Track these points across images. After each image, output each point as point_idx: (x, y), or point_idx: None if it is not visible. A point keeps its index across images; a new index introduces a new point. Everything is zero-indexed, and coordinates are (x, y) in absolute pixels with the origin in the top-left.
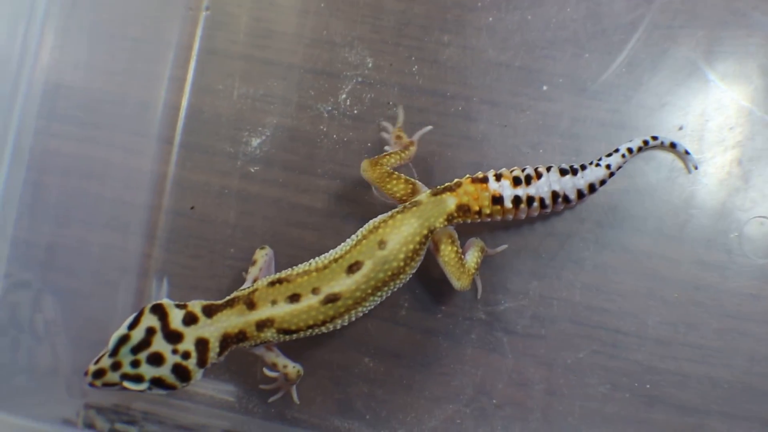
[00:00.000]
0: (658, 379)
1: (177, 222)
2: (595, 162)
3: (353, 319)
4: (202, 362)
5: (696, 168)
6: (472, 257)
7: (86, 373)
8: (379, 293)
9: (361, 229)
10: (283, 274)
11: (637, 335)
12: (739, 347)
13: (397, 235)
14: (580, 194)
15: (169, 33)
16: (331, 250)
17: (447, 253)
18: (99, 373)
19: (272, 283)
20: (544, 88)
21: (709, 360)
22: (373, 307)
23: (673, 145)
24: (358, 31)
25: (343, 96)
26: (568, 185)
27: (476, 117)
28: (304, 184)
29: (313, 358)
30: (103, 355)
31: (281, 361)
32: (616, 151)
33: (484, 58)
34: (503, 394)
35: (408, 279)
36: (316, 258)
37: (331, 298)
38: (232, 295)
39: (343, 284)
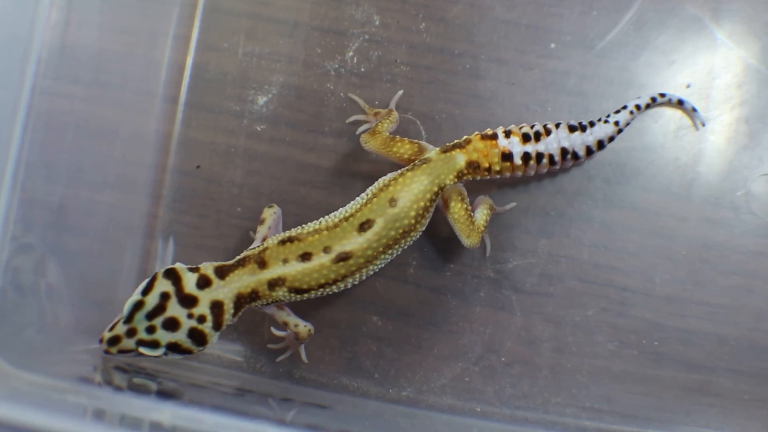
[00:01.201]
0: (666, 336)
1: (183, 181)
2: (603, 119)
3: (364, 277)
4: (218, 325)
5: (703, 125)
6: (481, 215)
7: (101, 341)
8: (390, 251)
9: (370, 187)
10: (294, 232)
11: (644, 293)
12: (745, 304)
13: (408, 192)
14: (589, 151)
15: None
16: (341, 209)
17: (457, 210)
18: (114, 340)
19: (283, 242)
20: (552, 45)
21: (716, 317)
22: (383, 265)
23: (680, 103)
24: None
25: (350, 54)
26: (577, 142)
27: (484, 75)
28: (311, 143)
29: (321, 317)
30: (117, 322)
31: (292, 320)
32: (624, 107)
33: (491, 16)
34: (512, 352)
35: (418, 236)
36: (327, 216)
37: (343, 257)
38: (243, 255)
39: (354, 243)
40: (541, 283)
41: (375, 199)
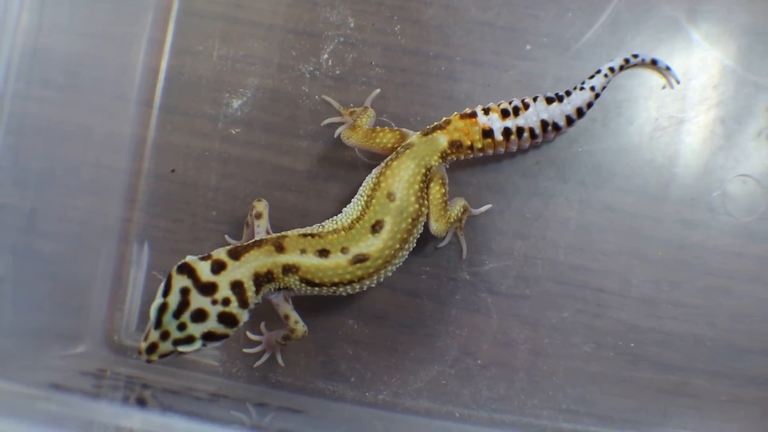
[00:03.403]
0: (642, 337)
1: (158, 185)
2: (579, 86)
3: (381, 280)
4: (244, 303)
5: (678, 83)
6: (454, 210)
7: (140, 352)
8: (406, 245)
9: (361, 187)
10: (314, 229)
11: (620, 294)
12: (721, 305)
13: (400, 181)
14: (569, 120)
15: None
16: (345, 209)
17: (434, 192)
18: (152, 348)
19: (304, 235)
20: (528, 47)
21: (692, 318)
22: (401, 263)
23: (654, 62)
24: None
25: (325, 56)
26: (556, 112)
27: (459, 77)
28: (286, 146)
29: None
30: (149, 330)
31: (293, 315)
32: (598, 71)
33: (466, 18)
34: (488, 355)
35: (425, 220)
36: (341, 216)
37: (360, 258)
38: (258, 238)
39: (371, 245)
40: (517, 285)
41: (374, 200)
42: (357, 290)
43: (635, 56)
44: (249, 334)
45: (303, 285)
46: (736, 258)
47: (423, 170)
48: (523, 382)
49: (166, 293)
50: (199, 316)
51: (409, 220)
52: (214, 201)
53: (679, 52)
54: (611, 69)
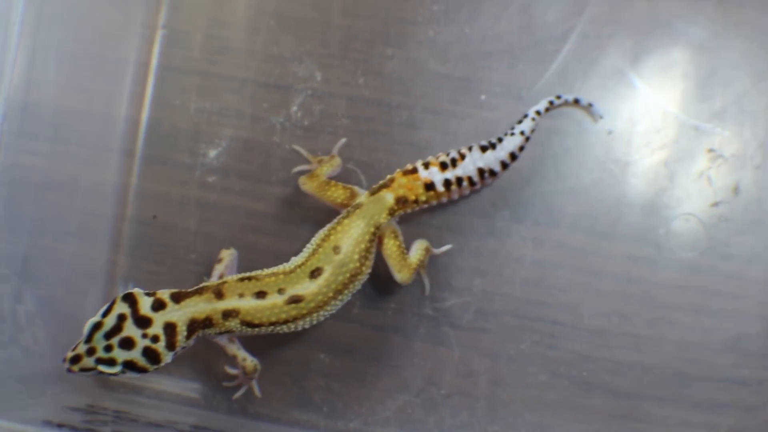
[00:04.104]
0: (594, 366)
1: (140, 230)
2: (509, 132)
3: (315, 322)
4: (171, 345)
5: (601, 117)
6: (416, 254)
7: (64, 360)
8: (340, 296)
9: (313, 238)
10: (253, 273)
11: (573, 326)
12: (668, 335)
13: (349, 238)
14: (504, 165)
15: (128, 51)
16: (293, 258)
17: (389, 246)
18: (76, 359)
19: (242, 279)
20: (483, 97)
21: (641, 348)
22: (334, 311)
23: (576, 101)
24: (307, 47)
25: (294, 108)
26: (491, 159)
27: (420, 125)
28: (259, 192)
29: (272, 355)
30: (79, 342)
31: (241, 353)
32: (525, 116)
33: (426, 70)
34: (451, 385)
35: (365, 279)
36: (284, 264)
37: (295, 299)
38: (201, 285)
39: (306, 288)
40: (477, 319)
41: (320, 249)
42: (292, 329)
43: (558, 97)
44: (227, 368)
45: (243, 327)
46: (680, 291)
47: (372, 229)
48: (484, 410)
49: (105, 314)
50: (127, 344)
51: (348, 275)
52: (194, 244)
53: (624, 99)
54: (537, 112)
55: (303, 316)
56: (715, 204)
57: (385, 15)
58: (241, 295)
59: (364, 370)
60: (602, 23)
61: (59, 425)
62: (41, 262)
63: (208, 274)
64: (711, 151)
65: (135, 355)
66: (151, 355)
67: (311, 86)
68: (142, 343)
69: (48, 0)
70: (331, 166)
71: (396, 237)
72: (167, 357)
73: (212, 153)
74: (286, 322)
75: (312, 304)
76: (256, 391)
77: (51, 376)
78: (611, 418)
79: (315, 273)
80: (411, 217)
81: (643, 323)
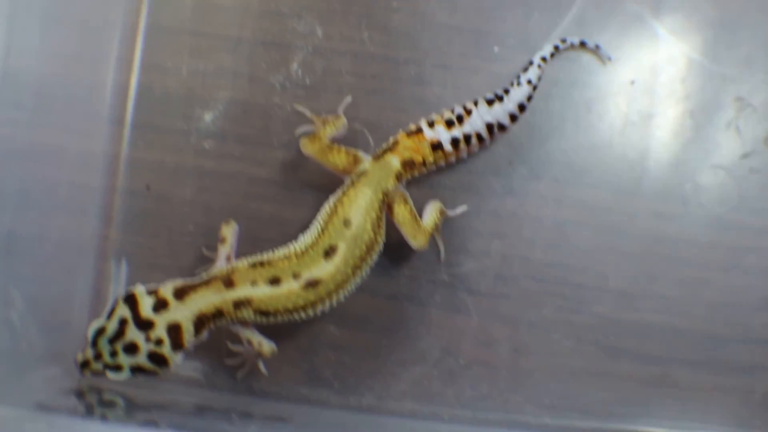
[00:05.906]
0: (621, 331)
1: (133, 202)
2: (515, 82)
3: (335, 305)
4: (177, 346)
5: (610, 59)
6: (430, 217)
7: (76, 362)
8: (359, 272)
9: (319, 213)
10: (264, 257)
11: (599, 289)
12: (698, 296)
13: (358, 209)
14: (513, 117)
15: (114, 12)
16: (301, 237)
17: (401, 212)
18: (85, 364)
19: (253, 265)
20: (496, 49)
21: (670, 310)
22: (354, 290)
23: (583, 44)
24: (306, 1)
25: (295, 67)
26: (499, 112)
27: (429, 81)
28: (261, 157)
29: (279, 329)
30: (87, 347)
31: (256, 338)
32: (531, 63)
33: (434, 22)
34: (470, 354)
35: (381, 249)
36: (294, 242)
37: (312, 283)
38: (210, 275)
39: (323, 269)
40: (495, 284)
41: (330, 225)
42: (311, 315)
43: (563, 41)
44: (230, 345)
45: (257, 316)
46: (710, 248)
47: (380, 196)
48: (505, 380)
49: (108, 317)
50: (131, 349)
51: (363, 247)
52: (191, 215)
53: (646, 47)
54: (543, 58)
55: (322, 300)
56: (745, 155)
57: None
58: (254, 283)
59: (377, 341)
60: None
61: (54, 408)
62: (27, 237)
63: (207, 247)
64: (739, 99)
65: (141, 359)
66: (157, 358)
67: (312, 43)
68: (146, 347)
69: None
70: (335, 127)
71: (406, 202)
72: (175, 358)
73: (208, 117)
74: (304, 308)
75: (331, 285)
76: (263, 369)
77: (42, 357)
78: (640, 385)
79: (329, 252)
80: (422, 178)
81: (672, 284)
